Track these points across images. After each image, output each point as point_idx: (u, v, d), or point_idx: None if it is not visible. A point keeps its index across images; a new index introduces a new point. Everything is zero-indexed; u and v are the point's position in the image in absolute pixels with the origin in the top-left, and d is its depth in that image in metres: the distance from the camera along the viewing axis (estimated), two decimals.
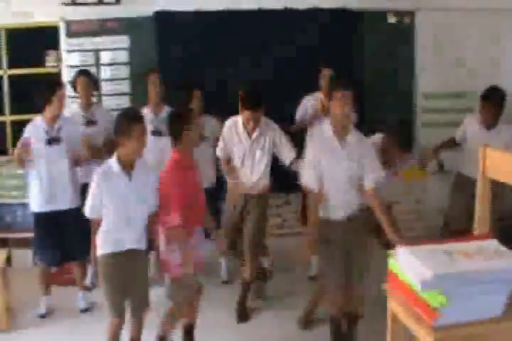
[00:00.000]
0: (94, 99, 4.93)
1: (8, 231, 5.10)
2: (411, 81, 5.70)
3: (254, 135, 4.17)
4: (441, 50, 5.66)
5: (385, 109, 5.46)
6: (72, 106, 4.97)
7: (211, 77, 5.20)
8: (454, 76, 5.67)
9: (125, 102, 5.42)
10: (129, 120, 3.26)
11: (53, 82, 4.45)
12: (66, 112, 4.54)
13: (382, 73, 5.56)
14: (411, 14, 5.59)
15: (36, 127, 4.20)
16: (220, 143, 4.32)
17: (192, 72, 5.21)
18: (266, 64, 5.37)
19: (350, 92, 3.41)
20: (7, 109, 5.51)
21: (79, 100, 4.86)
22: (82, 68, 5.09)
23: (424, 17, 5.59)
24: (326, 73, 4.85)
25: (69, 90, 4.93)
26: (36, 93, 4.23)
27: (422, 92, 5.72)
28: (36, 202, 4.23)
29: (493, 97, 4.53)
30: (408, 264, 1.89)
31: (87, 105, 4.80)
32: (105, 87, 5.40)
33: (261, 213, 4.33)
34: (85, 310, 4.49)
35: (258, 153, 4.20)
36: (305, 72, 4.97)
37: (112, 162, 3.31)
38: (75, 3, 5.19)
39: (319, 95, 4.88)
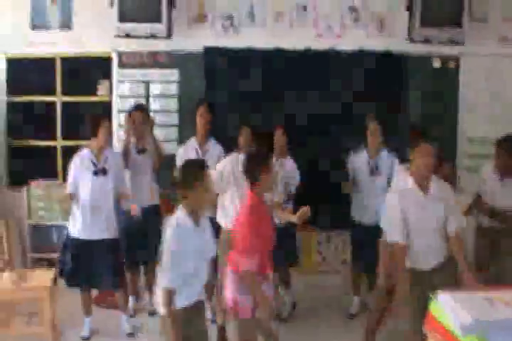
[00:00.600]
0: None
1: (55, 252, 5.21)
2: (455, 125, 5.74)
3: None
4: (485, 95, 5.70)
5: None
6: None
7: (256, 113, 5.33)
8: (498, 121, 5.68)
9: (173, 133, 5.61)
10: (197, 172, 3.08)
11: (98, 115, 4.58)
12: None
13: (427, 118, 5.61)
14: (456, 59, 5.67)
15: (83, 158, 4.32)
16: None
17: (237, 107, 5.37)
18: (310, 103, 5.50)
19: (431, 146, 3.53)
20: (58, 134, 5.72)
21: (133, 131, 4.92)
22: (138, 102, 5.27)
23: (468, 62, 5.67)
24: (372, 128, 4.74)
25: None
26: (85, 123, 4.38)
27: (466, 137, 5.75)
28: (75, 228, 4.33)
29: (507, 145, 4.38)
30: (450, 309, 1.93)
31: (140, 137, 4.86)
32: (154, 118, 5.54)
33: None
34: (130, 335, 4.53)
35: None
36: (348, 114, 5.20)
37: (183, 216, 3.06)
38: (128, 36, 5.37)
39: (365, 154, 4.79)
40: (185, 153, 4.78)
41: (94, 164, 4.30)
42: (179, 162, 4.66)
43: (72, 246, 4.31)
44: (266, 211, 3.55)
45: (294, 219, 3.66)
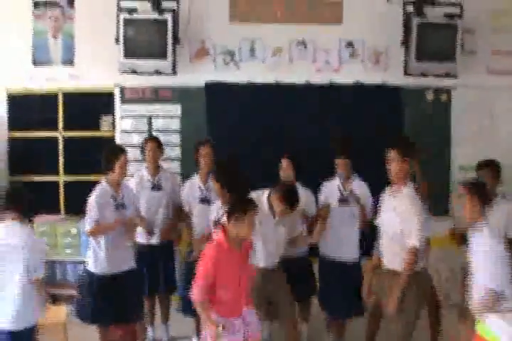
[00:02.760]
0: (161, 164, 5.05)
1: (59, 287, 5.21)
2: (448, 154, 5.92)
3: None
4: (476, 126, 5.90)
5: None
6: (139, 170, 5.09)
7: (257, 147, 5.45)
8: (488, 150, 5.85)
9: (176, 167, 5.68)
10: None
11: (115, 148, 4.58)
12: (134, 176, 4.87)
13: (420, 148, 5.74)
14: (448, 92, 5.87)
15: (103, 194, 4.27)
16: None
17: (238, 141, 5.48)
18: (311, 135, 5.61)
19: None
20: (61, 169, 5.77)
21: (146, 164, 4.97)
22: (152, 134, 5.44)
23: (460, 94, 5.87)
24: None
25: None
26: (102, 157, 4.35)
27: (458, 165, 5.92)
28: (98, 264, 4.26)
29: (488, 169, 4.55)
30: (500, 331, 2.05)
31: (154, 170, 4.92)
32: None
33: None
34: None
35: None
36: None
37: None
38: (133, 72, 5.47)
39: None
40: (189, 190, 4.81)
41: (114, 199, 4.28)
42: (184, 199, 4.81)
43: (98, 283, 4.23)
44: (234, 257, 3.55)
45: (312, 240, 3.82)
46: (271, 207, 4.05)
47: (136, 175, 4.91)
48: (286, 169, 4.64)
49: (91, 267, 4.28)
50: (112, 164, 4.25)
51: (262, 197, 4.09)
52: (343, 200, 4.60)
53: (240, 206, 3.51)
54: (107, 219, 4.22)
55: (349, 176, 4.63)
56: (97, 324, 4.32)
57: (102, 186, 4.30)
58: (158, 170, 4.92)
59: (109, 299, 4.18)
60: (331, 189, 4.69)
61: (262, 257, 4.11)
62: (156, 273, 4.78)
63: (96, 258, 4.26)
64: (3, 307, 3.53)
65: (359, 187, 4.61)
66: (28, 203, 3.78)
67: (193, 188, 4.80)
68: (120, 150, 4.39)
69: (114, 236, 4.24)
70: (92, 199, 4.21)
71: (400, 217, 3.85)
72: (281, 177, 4.61)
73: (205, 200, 4.76)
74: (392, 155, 4.00)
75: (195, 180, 4.83)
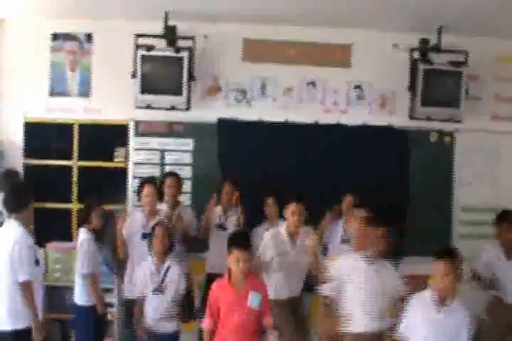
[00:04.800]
0: (180, 199, 5.33)
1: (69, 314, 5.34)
2: (450, 195, 6.09)
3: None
4: (479, 168, 6.09)
5: (424, 219, 5.85)
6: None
7: (267, 183, 5.61)
8: (489, 192, 6.07)
9: (187, 200, 5.81)
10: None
11: (143, 180, 5.07)
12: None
13: (424, 187, 5.96)
14: (451, 134, 6.08)
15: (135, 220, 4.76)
16: None
17: (248, 176, 5.61)
18: (320, 172, 5.79)
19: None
20: (74, 197, 5.94)
21: (166, 199, 5.18)
22: (171, 170, 5.61)
23: (464, 137, 6.08)
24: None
25: None
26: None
27: (459, 206, 6.09)
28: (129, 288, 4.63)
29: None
30: None
31: (173, 204, 5.15)
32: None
33: None
34: None
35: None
36: (353, 184, 5.52)
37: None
38: (149, 107, 5.66)
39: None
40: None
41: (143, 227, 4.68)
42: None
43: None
44: (230, 294, 3.82)
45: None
46: (290, 235, 4.31)
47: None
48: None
49: (125, 291, 4.79)
50: (140, 194, 4.88)
51: (280, 228, 4.40)
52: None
53: (229, 242, 3.87)
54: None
55: None
56: None
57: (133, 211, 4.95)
58: (177, 204, 5.20)
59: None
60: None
61: (285, 289, 4.37)
62: None
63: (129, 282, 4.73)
64: None
65: None
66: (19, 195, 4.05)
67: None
68: (147, 181, 4.96)
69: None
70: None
71: None
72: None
73: (221, 227, 5.23)
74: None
75: (217, 210, 5.24)
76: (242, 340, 3.82)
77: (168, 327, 4.35)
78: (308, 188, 5.31)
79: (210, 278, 4.93)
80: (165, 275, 4.35)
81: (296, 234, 4.50)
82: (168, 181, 5.15)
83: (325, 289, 4.06)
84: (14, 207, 4.00)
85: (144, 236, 4.64)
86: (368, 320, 3.91)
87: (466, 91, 5.76)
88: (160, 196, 5.00)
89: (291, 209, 4.45)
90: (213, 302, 3.85)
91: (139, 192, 5.01)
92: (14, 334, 3.83)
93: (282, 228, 4.52)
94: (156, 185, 5.01)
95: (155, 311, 4.31)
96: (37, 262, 4.05)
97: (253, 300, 3.80)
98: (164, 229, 4.42)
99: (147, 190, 4.90)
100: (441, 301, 3.56)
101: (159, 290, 4.31)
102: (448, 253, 3.60)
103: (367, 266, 3.96)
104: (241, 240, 3.88)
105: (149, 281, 4.33)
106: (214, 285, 3.92)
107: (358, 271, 3.95)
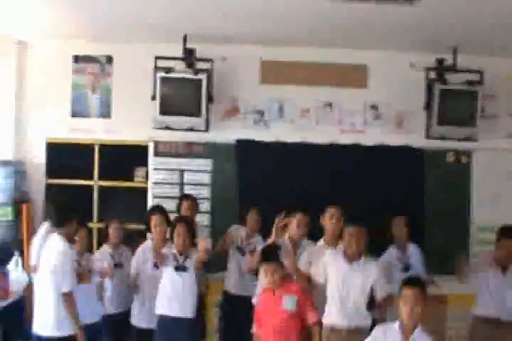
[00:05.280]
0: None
1: None
2: (467, 215, 6.11)
3: None
4: (496, 187, 6.07)
5: (440, 239, 5.88)
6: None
7: (283, 202, 5.66)
8: (506, 212, 6.03)
9: (206, 220, 5.91)
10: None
11: (150, 209, 5.12)
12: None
13: (441, 208, 6.00)
14: (468, 153, 6.11)
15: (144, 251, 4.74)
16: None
17: (266, 196, 5.70)
18: (334, 193, 5.76)
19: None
20: (95, 216, 6.05)
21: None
22: (186, 193, 5.71)
23: (480, 156, 6.11)
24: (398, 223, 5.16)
25: None
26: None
27: (476, 226, 6.10)
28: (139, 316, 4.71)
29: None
30: None
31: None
32: None
33: None
34: None
35: None
36: (368, 205, 5.58)
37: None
38: (168, 128, 5.77)
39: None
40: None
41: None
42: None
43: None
44: (270, 298, 4.09)
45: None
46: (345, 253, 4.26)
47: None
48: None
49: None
50: (148, 224, 4.85)
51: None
52: None
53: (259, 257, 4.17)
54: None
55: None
56: None
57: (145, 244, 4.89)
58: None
59: None
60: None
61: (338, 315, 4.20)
62: None
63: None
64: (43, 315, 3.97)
65: None
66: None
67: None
68: (152, 210, 5.01)
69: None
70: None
71: None
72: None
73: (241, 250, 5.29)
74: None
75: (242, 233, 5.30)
76: None
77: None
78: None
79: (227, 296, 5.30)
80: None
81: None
82: (185, 204, 5.24)
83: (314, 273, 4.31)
84: (59, 221, 4.13)
85: (156, 265, 4.63)
86: (343, 315, 4.10)
87: (482, 110, 5.80)
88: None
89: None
90: (259, 307, 4.20)
91: (178, 207, 5.26)
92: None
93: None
94: (165, 212, 4.94)
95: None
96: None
97: (287, 303, 3.99)
98: (184, 226, 4.50)
99: (186, 203, 5.16)
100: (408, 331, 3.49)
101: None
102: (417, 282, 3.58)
103: (346, 264, 4.16)
104: (266, 253, 4.13)
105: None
106: (263, 290, 4.24)
107: (337, 268, 4.18)
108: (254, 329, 4.24)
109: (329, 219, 4.58)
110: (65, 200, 4.90)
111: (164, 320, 4.43)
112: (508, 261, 4.59)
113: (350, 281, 4.13)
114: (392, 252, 5.04)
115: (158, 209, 4.95)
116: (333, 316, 4.15)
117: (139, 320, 4.72)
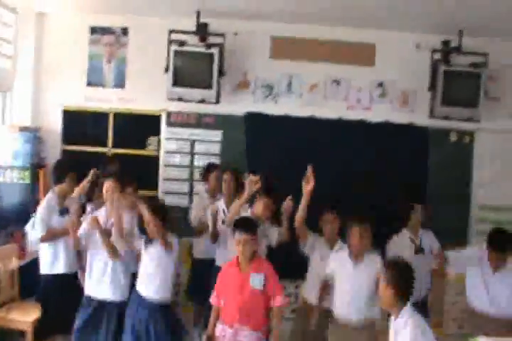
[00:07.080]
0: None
1: None
2: (468, 194, 6.30)
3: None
4: (497, 167, 6.26)
5: (442, 217, 5.92)
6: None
7: (290, 175, 5.85)
8: (507, 191, 6.25)
9: None
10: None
11: (209, 165, 5.69)
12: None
13: (442, 186, 6.17)
14: (471, 134, 6.29)
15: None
16: None
17: (273, 167, 5.85)
18: (336, 167, 5.98)
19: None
20: None
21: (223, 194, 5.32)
22: (233, 168, 5.50)
23: (483, 137, 6.29)
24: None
25: None
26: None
27: (477, 204, 6.30)
28: None
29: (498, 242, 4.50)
30: None
31: (230, 203, 5.06)
32: (197, 175, 6.13)
33: None
34: None
35: None
36: (371, 180, 5.84)
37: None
38: (180, 100, 5.96)
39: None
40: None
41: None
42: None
43: None
44: (235, 274, 4.07)
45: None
46: (350, 246, 4.25)
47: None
48: None
49: None
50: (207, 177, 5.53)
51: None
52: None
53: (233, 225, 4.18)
54: None
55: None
56: None
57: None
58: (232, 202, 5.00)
59: None
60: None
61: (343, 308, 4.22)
62: None
63: None
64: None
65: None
66: None
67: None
68: (213, 166, 5.64)
69: None
70: None
71: None
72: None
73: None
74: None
75: (220, 202, 5.21)
76: (245, 320, 4.01)
77: None
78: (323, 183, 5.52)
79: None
80: None
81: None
82: (225, 177, 5.23)
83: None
84: (57, 177, 4.98)
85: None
86: (352, 309, 4.13)
87: (486, 92, 5.96)
88: None
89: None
90: (220, 280, 4.16)
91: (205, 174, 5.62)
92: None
93: None
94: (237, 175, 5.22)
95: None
96: None
97: (254, 281, 4.00)
98: (232, 174, 5.12)
99: (228, 177, 5.24)
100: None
101: None
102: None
103: (351, 261, 4.21)
104: (243, 223, 4.11)
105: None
106: (225, 264, 4.22)
107: (343, 265, 4.24)
108: (213, 301, 4.15)
109: (325, 225, 4.65)
110: (61, 160, 5.28)
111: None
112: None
113: (357, 278, 4.14)
114: (405, 234, 5.09)
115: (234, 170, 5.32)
116: (340, 309, 4.18)
117: None
